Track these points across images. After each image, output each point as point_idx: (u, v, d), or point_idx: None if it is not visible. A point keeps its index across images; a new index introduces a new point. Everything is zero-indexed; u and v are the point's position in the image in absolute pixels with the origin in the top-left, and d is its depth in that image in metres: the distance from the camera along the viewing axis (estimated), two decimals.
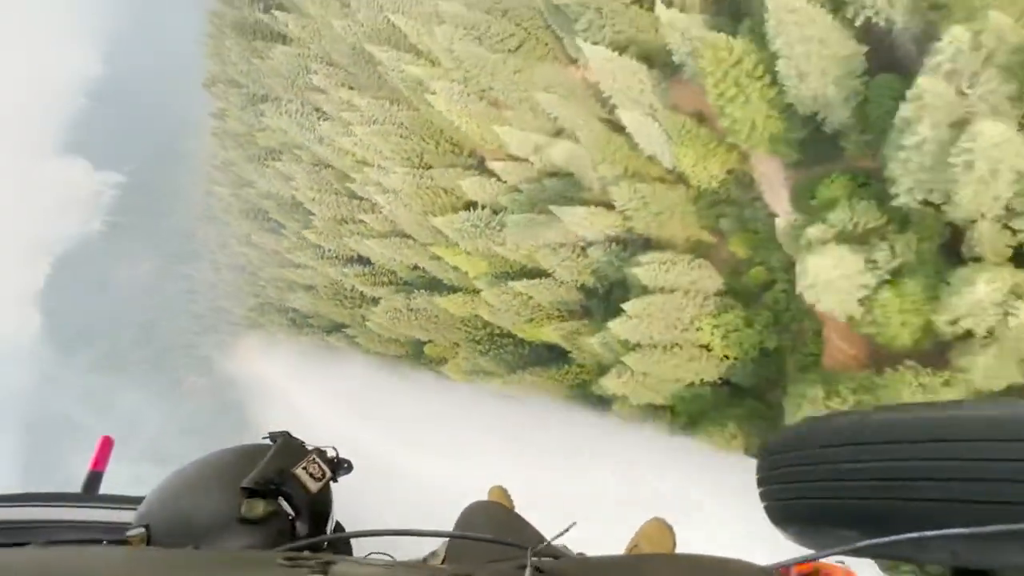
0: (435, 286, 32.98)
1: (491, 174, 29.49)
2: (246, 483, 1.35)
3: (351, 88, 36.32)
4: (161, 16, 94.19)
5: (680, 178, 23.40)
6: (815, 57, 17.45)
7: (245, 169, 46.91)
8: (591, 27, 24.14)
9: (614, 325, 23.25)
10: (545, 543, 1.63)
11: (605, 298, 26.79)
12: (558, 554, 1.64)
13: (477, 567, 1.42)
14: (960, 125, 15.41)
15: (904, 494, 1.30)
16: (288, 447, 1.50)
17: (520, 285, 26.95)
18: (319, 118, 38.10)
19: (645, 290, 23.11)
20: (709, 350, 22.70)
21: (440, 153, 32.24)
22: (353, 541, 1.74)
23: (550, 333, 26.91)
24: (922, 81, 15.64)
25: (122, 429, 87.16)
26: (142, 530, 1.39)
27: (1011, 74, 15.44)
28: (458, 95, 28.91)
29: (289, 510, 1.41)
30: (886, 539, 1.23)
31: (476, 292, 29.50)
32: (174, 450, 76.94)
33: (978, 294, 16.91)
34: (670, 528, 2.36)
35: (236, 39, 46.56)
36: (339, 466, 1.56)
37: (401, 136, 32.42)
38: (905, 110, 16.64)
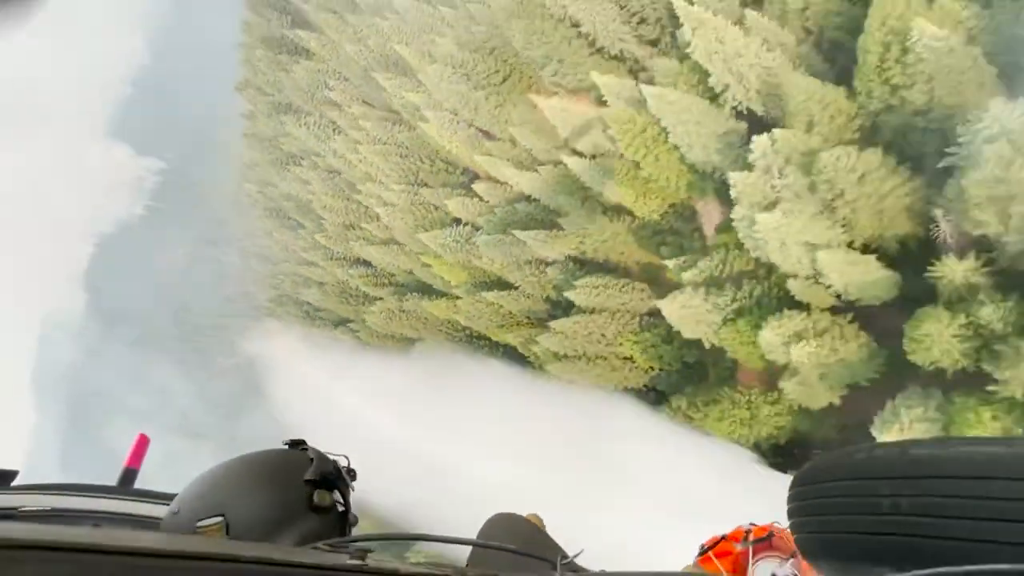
0: (426, 290, 37.01)
1: (475, 195, 33.24)
2: (311, 476, 1.53)
3: (365, 103, 40.44)
4: (203, 15, 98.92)
5: (623, 211, 26.97)
6: (694, 134, 21.65)
7: (268, 171, 51.44)
8: (556, 74, 27.67)
9: (542, 338, 27.46)
10: (571, 557, 1.72)
11: (567, 310, 30.43)
12: (580, 569, 1.76)
13: (502, 570, 1.47)
14: (771, 207, 19.59)
15: (945, 532, 1.26)
16: (322, 454, 1.65)
17: (491, 295, 30.85)
18: (334, 131, 42.30)
19: (580, 309, 26.92)
20: (633, 362, 26.41)
21: (434, 172, 36.11)
22: None
23: (511, 338, 30.78)
24: (732, 175, 20.13)
25: (155, 402, 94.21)
26: (219, 519, 1.51)
27: (806, 170, 19.32)
28: (448, 123, 32.69)
29: (342, 501, 1.61)
30: (926, 572, 1.18)
31: (457, 299, 33.46)
32: (202, 424, 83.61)
33: (766, 335, 21.02)
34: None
35: (265, 50, 51.00)
36: (352, 472, 1.70)
37: (400, 156, 36.39)
38: (733, 192, 20.99)
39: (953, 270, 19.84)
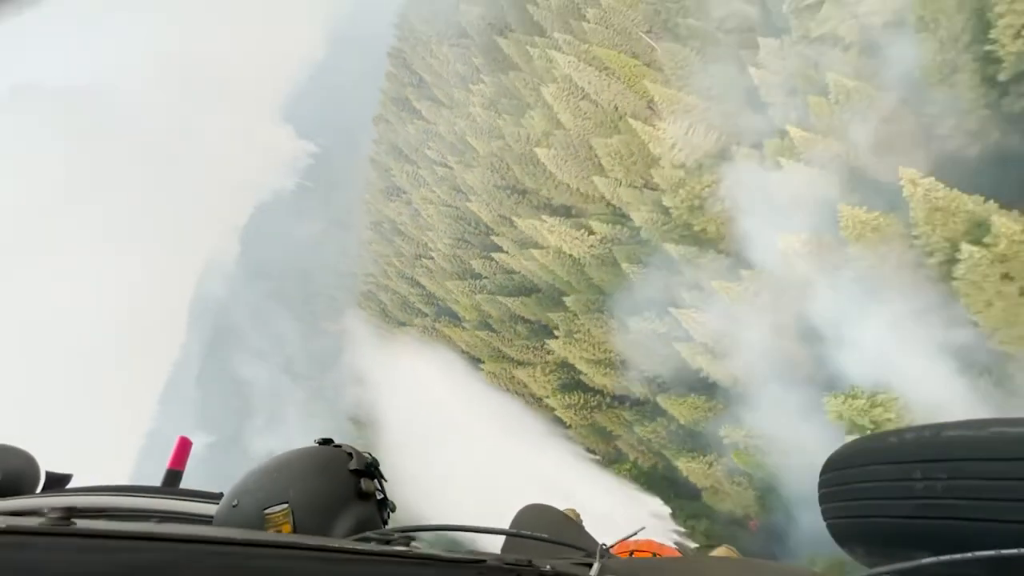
0: (454, 317, 50.72)
1: (493, 260, 46.39)
2: (355, 466, 1.66)
3: (445, 165, 54.60)
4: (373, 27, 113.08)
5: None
6: None
7: (377, 196, 67.36)
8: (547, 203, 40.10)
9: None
10: (613, 544, 1.79)
11: None
12: (612, 557, 1.80)
13: (535, 557, 1.47)
14: None
15: (981, 514, 1.24)
16: (356, 449, 1.77)
17: (483, 334, 44.04)
18: (420, 184, 57.01)
19: None
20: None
21: (476, 235, 49.66)
22: None
23: (492, 367, 43.82)
24: None
25: (270, 345, 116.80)
26: (285, 505, 1.61)
27: None
28: (484, 204, 45.94)
29: (381, 490, 1.72)
30: (960, 556, 1.16)
31: (465, 330, 46.95)
32: (301, 370, 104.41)
33: None
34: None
35: (394, 105, 66.74)
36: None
37: (454, 218, 50.27)
38: None
39: None
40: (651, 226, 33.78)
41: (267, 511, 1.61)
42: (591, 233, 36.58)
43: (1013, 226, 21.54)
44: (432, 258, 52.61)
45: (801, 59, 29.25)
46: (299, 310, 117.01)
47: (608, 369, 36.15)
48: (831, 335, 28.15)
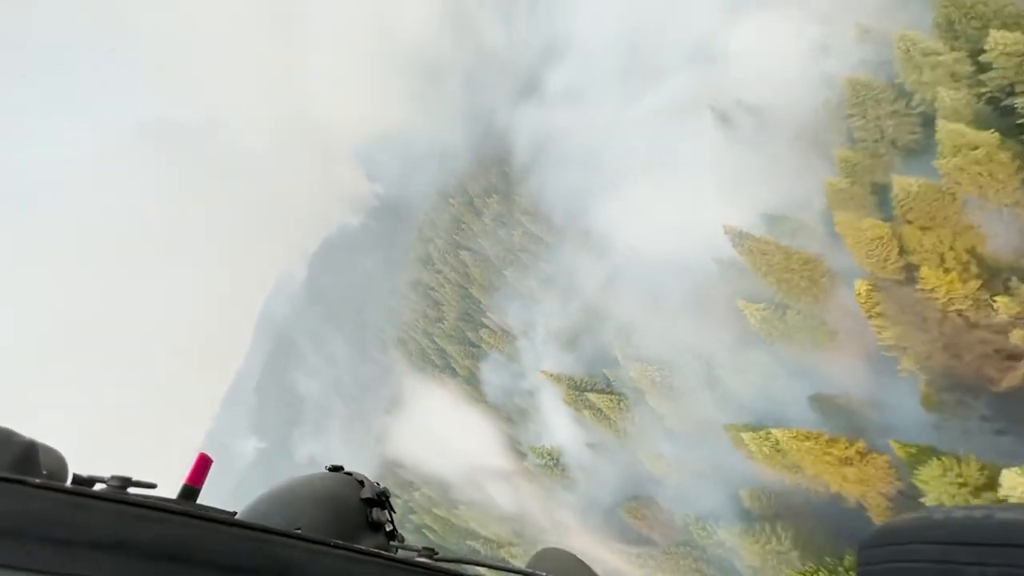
0: (452, 371, 64.66)
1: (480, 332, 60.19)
2: (367, 495, 1.65)
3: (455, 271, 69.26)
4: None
5: None
6: None
7: (416, 262, 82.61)
8: None
9: None
10: None
11: None
12: None
13: None
14: None
15: None
16: (367, 478, 1.77)
17: (469, 388, 57.98)
18: (438, 271, 71.79)
19: None
20: None
21: (455, 329, 63.67)
22: None
23: None
24: None
25: (323, 363, 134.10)
26: (297, 532, 1.43)
27: None
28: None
29: (391, 520, 1.71)
30: None
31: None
32: (347, 390, 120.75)
33: None
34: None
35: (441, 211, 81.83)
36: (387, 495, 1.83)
37: (460, 297, 64.56)
38: None
39: None
40: None
41: None
42: None
43: None
44: (444, 323, 66.97)
45: None
46: (351, 336, 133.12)
47: None
48: None
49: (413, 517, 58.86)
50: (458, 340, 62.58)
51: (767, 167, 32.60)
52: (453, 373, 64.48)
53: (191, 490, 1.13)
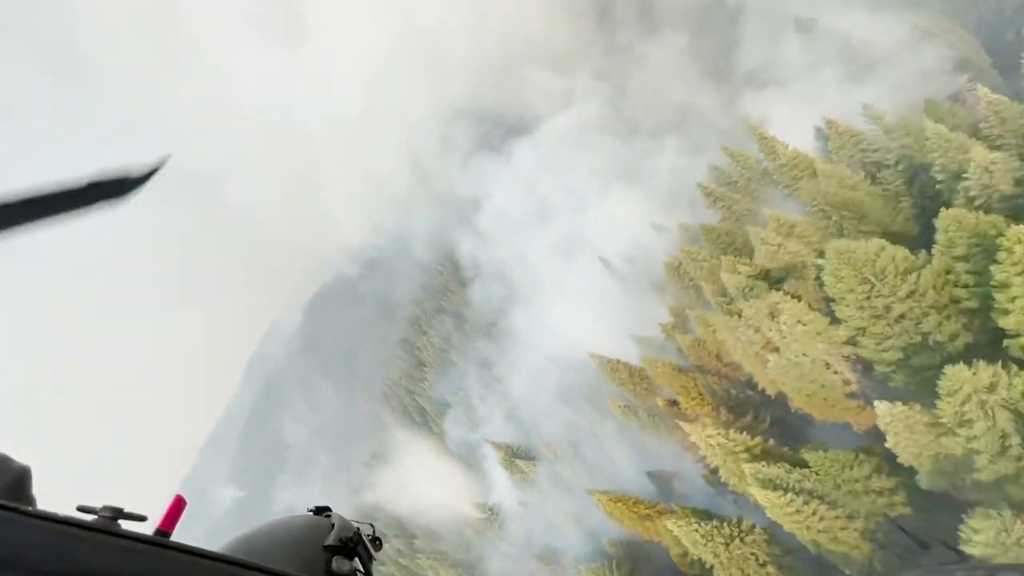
0: (427, 426, 69.48)
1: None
2: (330, 542, 1.55)
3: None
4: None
5: None
6: None
7: (406, 323, 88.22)
8: None
9: None
10: None
11: None
12: None
13: None
14: None
15: None
16: (345, 521, 1.66)
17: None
18: (430, 330, 77.47)
19: None
20: None
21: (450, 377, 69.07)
22: None
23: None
24: None
25: (310, 410, 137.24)
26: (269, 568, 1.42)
27: None
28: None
29: (361, 569, 1.57)
30: None
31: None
32: (331, 438, 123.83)
33: None
34: None
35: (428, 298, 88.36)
36: (377, 541, 1.72)
37: (442, 362, 70.02)
38: None
39: None
40: None
41: None
42: None
43: None
44: (425, 382, 72.26)
45: None
46: (340, 385, 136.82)
47: None
48: None
49: (383, 568, 62.57)
50: (437, 402, 68.08)
51: (633, 301, 46.65)
52: (430, 431, 69.49)
53: (162, 533, 1.12)
